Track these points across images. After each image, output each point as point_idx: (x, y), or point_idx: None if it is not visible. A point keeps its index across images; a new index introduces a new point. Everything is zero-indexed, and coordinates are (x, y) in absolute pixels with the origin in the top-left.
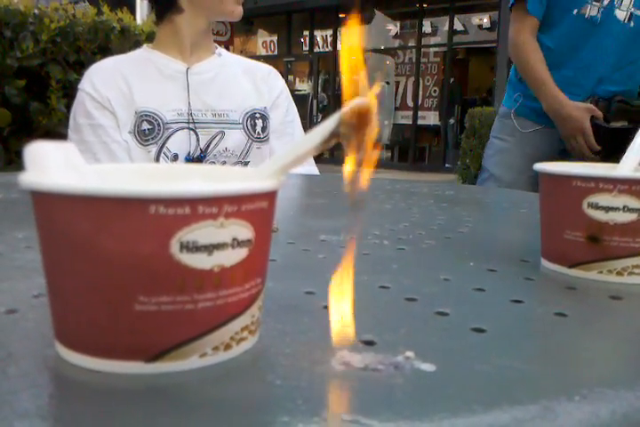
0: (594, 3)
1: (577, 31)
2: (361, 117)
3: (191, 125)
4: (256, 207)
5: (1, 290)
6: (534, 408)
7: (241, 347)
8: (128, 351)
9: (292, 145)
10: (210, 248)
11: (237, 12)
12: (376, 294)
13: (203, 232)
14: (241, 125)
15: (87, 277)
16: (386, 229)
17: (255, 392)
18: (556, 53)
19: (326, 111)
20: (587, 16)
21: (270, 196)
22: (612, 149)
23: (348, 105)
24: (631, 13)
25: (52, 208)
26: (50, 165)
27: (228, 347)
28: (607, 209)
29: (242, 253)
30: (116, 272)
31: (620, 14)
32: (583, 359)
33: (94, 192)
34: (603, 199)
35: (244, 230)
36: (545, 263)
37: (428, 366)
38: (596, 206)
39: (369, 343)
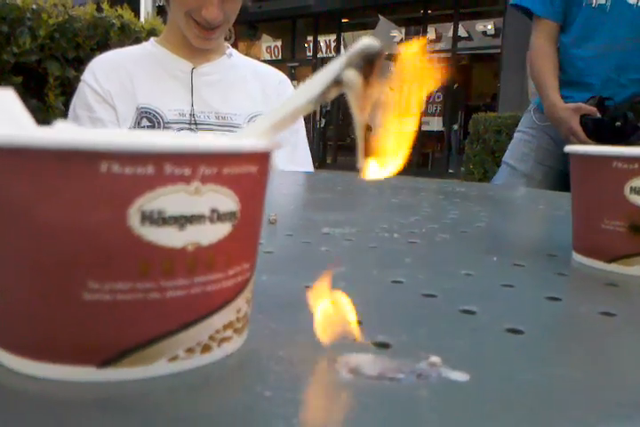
0: None
1: (587, 22)
2: (370, 63)
3: (192, 127)
4: (242, 172)
5: None
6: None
7: (223, 349)
8: (75, 353)
9: (289, 96)
10: (181, 221)
11: (195, 42)
12: (388, 290)
13: (171, 199)
14: None
15: (21, 257)
16: (395, 222)
17: (239, 406)
18: (569, 47)
19: (329, 116)
20: (594, 5)
21: (261, 158)
22: (610, 141)
23: (355, 46)
24: None
25: None
26: None
27: (206, 349)
28: None
29: (224, 229)
30: (59, 250)
31: None
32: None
33: (27, 144)
34: None
35: (226, 200)
36: (577, 257)
37: (459, 375)
38: None
39: (383, 346)
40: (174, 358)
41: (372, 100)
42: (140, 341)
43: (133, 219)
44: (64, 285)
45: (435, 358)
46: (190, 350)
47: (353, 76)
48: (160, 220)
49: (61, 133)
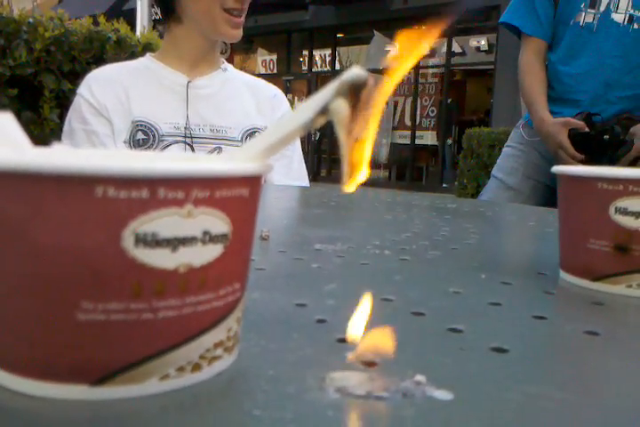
0: (589, 10)
1: (575, 40)
2: (358, 92)
3: (187, 140)
4: (234, 195)
5: None
6: None
7: (213, 368)
8: (69, 372)
9: (279, 122)
10: (174, 243)
11: (231, 34)
12: (378, 308)
13: (165, 222)
14: (239, 143)
15: (16, 278)
16: (387, 239)
17: (228, 425)
18: (557, 64)
19: (323, 129)
20: (581, 24)
21: (252, 181)
22: (598, 154)
23: (345, 76)
24: (630, 15)
25: None
26: None
27: (196, 367)
28: (637, 215)
29: (215, 250)
30: (53, 272)
31: (618, 17)
32: (630, 387)
33: (25, 168)
34: (632, 204)
35: (218, 222)
36: (565, 276)
37: (443, 394)
38: (625, 212)
39: (370, 365)
40: (165, 377)
41: (358, 127)
42: (132, 360)
43: (127, 241)
44: (58, 305)
45: (420, 377)
46: (181, 369)
47: (340, 105)
48: (153, 242)
49: (58, 157)
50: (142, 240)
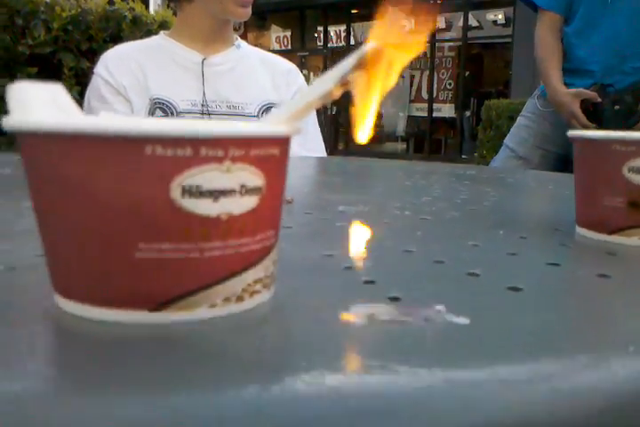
0: None
1: (590, 12)
2: (373, 64)
3: (205, 116)
4: (266, 153)
5: (3, 250)
6: (584, 358)
7: (254, 300)
8: (130, 300)
9: (303, 91)
10: (215, 194)
11: (239, 13)
12: (400, 257)
13: (207, 176)
14: (256, 118)
15: (81, 224)
16: (407, 202)
17: (268, 346)
18: (572, 37)
19: (339, 104)
20: None
21: (282, 142)
22: (609, 124)
23: (363, 48)
24: None
25: (39, 149)
26: (36, 105)
27: (240, 299)
28: None
29: (251, 201)
30: (113, 217)
31: None
32: (635, 314)
33: (83, 130)
34: None
35: (253, 177)
36: (580, 231)
37: (461, 320)
38: (638, 171)
39: (394, 299)
40: (213, 306)
41: (373, 96)
42: (184, 291)
43: (175, 192)
44: (118, 245)
45: (440, 307)
46: (227, 300)
47: (358, 76)
48: (197, 193)
49: (112, 121)
50: (188, 191)
